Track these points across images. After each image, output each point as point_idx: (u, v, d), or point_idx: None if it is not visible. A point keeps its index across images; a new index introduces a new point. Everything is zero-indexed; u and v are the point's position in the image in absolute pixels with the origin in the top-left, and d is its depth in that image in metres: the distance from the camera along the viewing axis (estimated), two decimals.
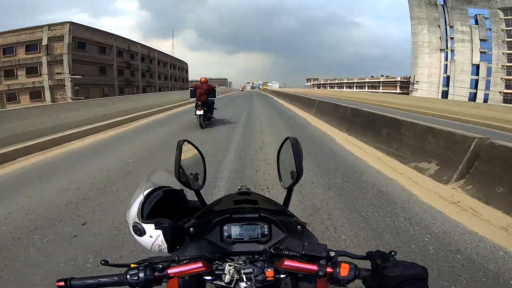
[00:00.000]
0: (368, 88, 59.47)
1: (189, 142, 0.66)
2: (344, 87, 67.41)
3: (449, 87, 30.97)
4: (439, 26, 32.03)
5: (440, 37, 32.14)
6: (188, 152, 0.66)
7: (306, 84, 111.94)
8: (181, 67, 47.69)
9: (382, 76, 59.49)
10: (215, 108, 7.43)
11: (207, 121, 6.36)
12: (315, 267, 0.45)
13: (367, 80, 64.24)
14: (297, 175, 0.57)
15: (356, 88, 63.14)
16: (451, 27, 31.40)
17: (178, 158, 0.60)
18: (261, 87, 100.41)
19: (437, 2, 31.30)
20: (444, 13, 31.41)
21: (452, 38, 30.99)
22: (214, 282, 0.48)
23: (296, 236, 0.56)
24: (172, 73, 41.36)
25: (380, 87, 55.66)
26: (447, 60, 31.85)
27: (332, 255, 0.45)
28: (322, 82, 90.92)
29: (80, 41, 22.03)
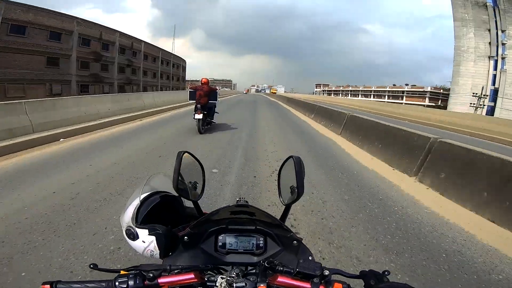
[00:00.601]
0: (388, 98, 58.38)
1: (190, 154, 0.72)
2: (360, 95, 66.38)
3: (497, 101, 28.54)
4: (489, 30, 29.57)
5: (489, 43, 29.69)
6: (189, 162, 0.71)
7: (315, 90, 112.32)
8: (177, 63, 45.54)
9: (406, 85, 58.86)
10: (217, 112, 7.31)
11: (206, 125, 6.27)
12: (308, 285, 0.49)
13: (387, 89, 63.31)
14: (298, 193, 0.65)
15: (374, 97, 62.19)
16: (503, 31, 29.18)
17: (177, 168, 0.65)
18: (267, 90, 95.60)
19: (487, 4, 29.22)
20: (495, 16, 29.15)
21: (503, 44, 29.22)
22: None
23: (291, 251, 0.61)
24: (164, 69, 39.03)
25: (404, 97, 55.54)
26: (496, 69, 29.64)
27: (326, 273, 0.50)
28: (333, 89, 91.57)
29: (17, 24, 18.02)
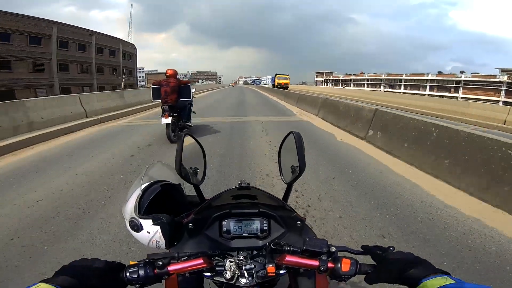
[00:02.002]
0: (428, 90, 52.00)
1: (191, 136, 0.84)
2: (382, 87, 60.97)
3: None
4: None
5: None
6: (189, 145, 0.81)
7: (316, 79, 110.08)
8: (124, 51, 41.17)
9: (462, 73, 48.29)
10: (194, 112, 6.98)
11: (179, 131, 5.82)
12: (316, 263, 0.57)
13: (429, 78, 54.39)
14: (299, 170, 0.74)
15: (399, 88, 58.53)
16: None
17: (179, 152, 0.74)
18: (266, 81, 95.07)
19: None
20: None
21: None
22: (214, 278, 0.60)
23: (295, 232, 0.72)
24: (100, 60, 35.44)
25: (460, 89, 46.78)
26: None
27: (333, 250, 0.58)
28: (341, 78, 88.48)
29: None
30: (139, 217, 0.69)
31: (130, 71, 42.95)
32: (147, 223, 0.69)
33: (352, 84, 78.50)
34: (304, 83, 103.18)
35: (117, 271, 0.55)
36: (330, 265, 0.57)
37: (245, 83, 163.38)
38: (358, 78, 79.23)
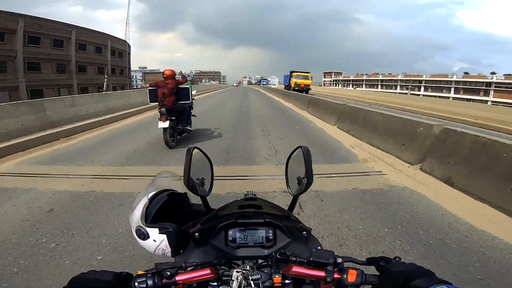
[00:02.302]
0: (453, 92, 49.16)
1: (199, 149, 0.88)
2: (406, 89, 55.49)
3: None
4: None
5: None
6: (196, 157, 0.85)
7: (324, 79, 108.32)
8: (113, 48, 37.75)
9: (493, 73, 46.73)
10: (194, 115, 6.90)
11: (178, 135, 5.76)
12: (322, 274, 0.60)
13: (454, 79, 50.78)
14: (307, 183, 0.80)
15: (418, 90, 54.91)
16: None
17: (188, 164, 0.79)
18: (266, 83, 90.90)
19: None
20: None
21: None
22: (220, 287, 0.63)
23: (301, 242, 0.76)
24: (83, 58, 32.54)
25: (491, 92, 44.30)
26: None
27: (339, 261, 0.61)
28: (352, 78, 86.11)
29: None
30: (146, 226, 0.73)
31: (121, 71, 40.28)
32: (153, 232, 0.72)
33: (364, 85, 76.56)
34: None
35: (125, 282, 0.58)
36: (336, 276, 0.60)
37: (249, 83, 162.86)
38: (371, 78, 77.11)
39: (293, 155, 0.92)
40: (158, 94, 5.46)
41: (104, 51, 36.48)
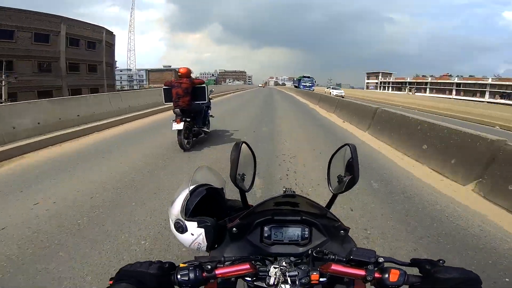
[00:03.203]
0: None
1: (246, 144, 0.93)
2: (487, 95, 49.76)
3: None
4: None
5: None
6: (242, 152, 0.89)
7: (367, 81, 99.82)
8: (72, 35, 31.76)
9: None
10: (211, 116, 6.93)
11: (193, 137, 5.82)
12: (363, 272, 0.63)
13: None
14: (352, 181, 0.84)
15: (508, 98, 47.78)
16: None
17: (236, 159, 0.83)
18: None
19: None
20: None
21: None
22: (254, 283, 0.70)
23: (337, 241, 0.80)
24: (47, 52, 28.89)
25: None
26: None
27: (381, 261, 0.64)
28: (409, 80, 75.62)
29: None
30: (185, 219, 0.79)
31: (93, 67, 35.81)
32: (192, 225, 0.78)
33: (428, 89, 66.97)
34: (338, 85, 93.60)
35: (168, 273, 0.64)
36: (376, 275, 0.63)
37: (276, 83, 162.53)
38: (440, 81, 65.97)
39: (337, 152, 0.98)
40: (173, 94, 5.61)
41: (55, 39, 30.44)
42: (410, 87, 69.68)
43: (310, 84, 50.61)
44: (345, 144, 0.92)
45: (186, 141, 5.39)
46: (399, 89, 71.45)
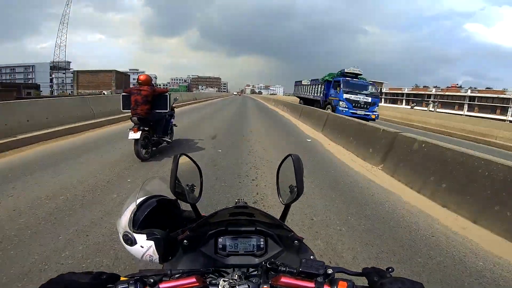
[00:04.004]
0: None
1: (186, 155, 0.98)
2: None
3: None
4: None
5: None
6: (184, 164, 0.96)
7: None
8: None
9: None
10: (175, 125, 7.00)
11: (153, 147, 5.87)
12: (312, 285, 0.65)
13: None
14: (297, 192, 0.89)
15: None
16: None
17: (174, 171, 0.86)
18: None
19: None
20: None
21: None
22: None
23: (292, 251, 0.84)
24: None
25: None
26: None
27: (330, 272, 0.67)
28: (406, 91, 67.87)
29: None
30: (133, 231, 0.80)
31: None
32: (141, 238, 0.79)
33: (431, 104, 57.07)
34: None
35: (106, 284, 0.64)
36: (326, 287, 0.66)
37: (253, 92, 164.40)
38: (448, 94, 58.06)
39: (283, 163, 1.03)
40: (131, 101, 5.67)
41: None
42: (405, 100, 63.52)
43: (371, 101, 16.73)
44: (289, 155, 0.98)
45: (144, 150, 5.44)
46: (394, 102, 65.07)
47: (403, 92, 67.40)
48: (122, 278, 0.66)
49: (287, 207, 0.97)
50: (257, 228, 0.84)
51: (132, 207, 0.87)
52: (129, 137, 5.22)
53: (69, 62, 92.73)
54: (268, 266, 0.72)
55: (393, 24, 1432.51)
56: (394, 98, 67.79)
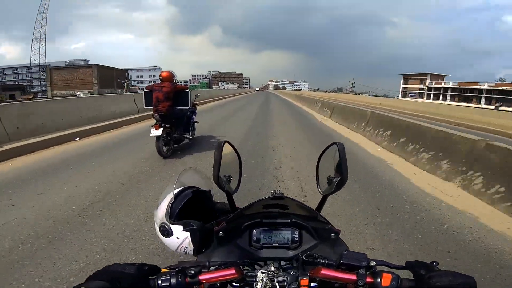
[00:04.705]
0: None
1: (229, 144, 0.98)
2: None
3: None
4: None
5: None
6: (225, 154, 0.95)
7: (404, 86, 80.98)
8: None
9: None
10: (196, 122, 7.12)
11: (174, 144, 5.96)
12: (354, 277, 0.65)
13: None
14: (341, 181, 0.88)
15: None
16: None
17: (218, 160, 0.86)
18: (298, 86, 56.09)
19: None
20: None
21: None
22: None
23: (328, 244, 0.83)
24: None
25: None
26: None
27: (372, 264, 0.66)
28: (484, 87, 55.70)
29: None
30: (170, 223, 0.84)
31: None
32: (177, 229, 0.83)
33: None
34: (339, 90, 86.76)
35: (147, 276, 0.66)
36: (368, 279, 0.65)
37: (276, 87, 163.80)
38: None
39: (325, 152, 1.03)
40: (153, 98, 5.91)
41: None
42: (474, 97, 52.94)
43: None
44: (333, 143, 0.97)
45: (165, 147, 5.69)
46: (466, 100, 55.77)
47: (482, 88, 56.15)
48: (162, 270, 0.68)
49: (324, 198, 0.98)
50: (292, 220, 0.84)
51: (169, 198, 0.91)
52: (151, 134, 5.42)
53: (87, 61, 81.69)
54: (304, 258, 0.72)
55: (425, 16, 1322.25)
56: (467, 95, 57.01)
